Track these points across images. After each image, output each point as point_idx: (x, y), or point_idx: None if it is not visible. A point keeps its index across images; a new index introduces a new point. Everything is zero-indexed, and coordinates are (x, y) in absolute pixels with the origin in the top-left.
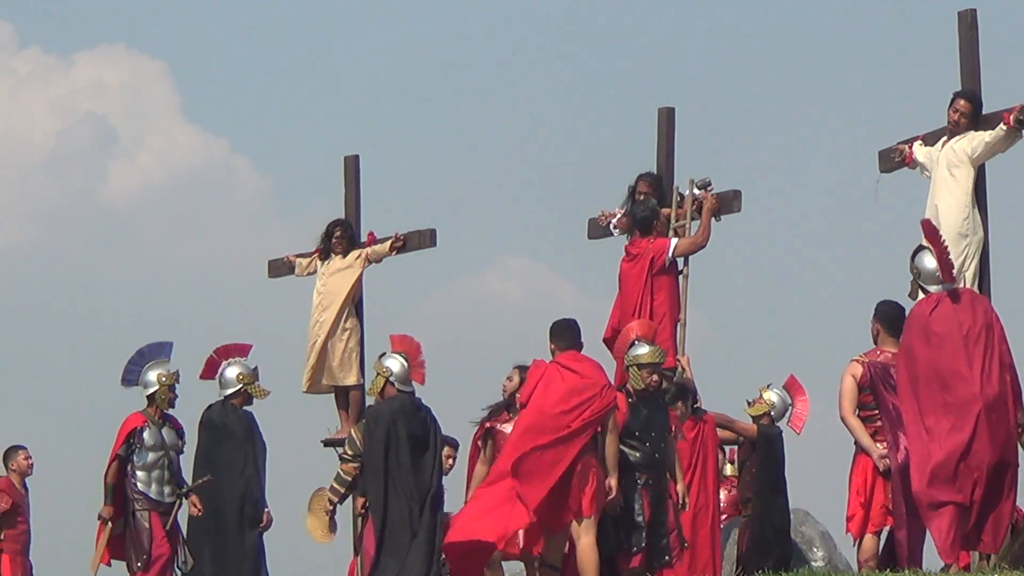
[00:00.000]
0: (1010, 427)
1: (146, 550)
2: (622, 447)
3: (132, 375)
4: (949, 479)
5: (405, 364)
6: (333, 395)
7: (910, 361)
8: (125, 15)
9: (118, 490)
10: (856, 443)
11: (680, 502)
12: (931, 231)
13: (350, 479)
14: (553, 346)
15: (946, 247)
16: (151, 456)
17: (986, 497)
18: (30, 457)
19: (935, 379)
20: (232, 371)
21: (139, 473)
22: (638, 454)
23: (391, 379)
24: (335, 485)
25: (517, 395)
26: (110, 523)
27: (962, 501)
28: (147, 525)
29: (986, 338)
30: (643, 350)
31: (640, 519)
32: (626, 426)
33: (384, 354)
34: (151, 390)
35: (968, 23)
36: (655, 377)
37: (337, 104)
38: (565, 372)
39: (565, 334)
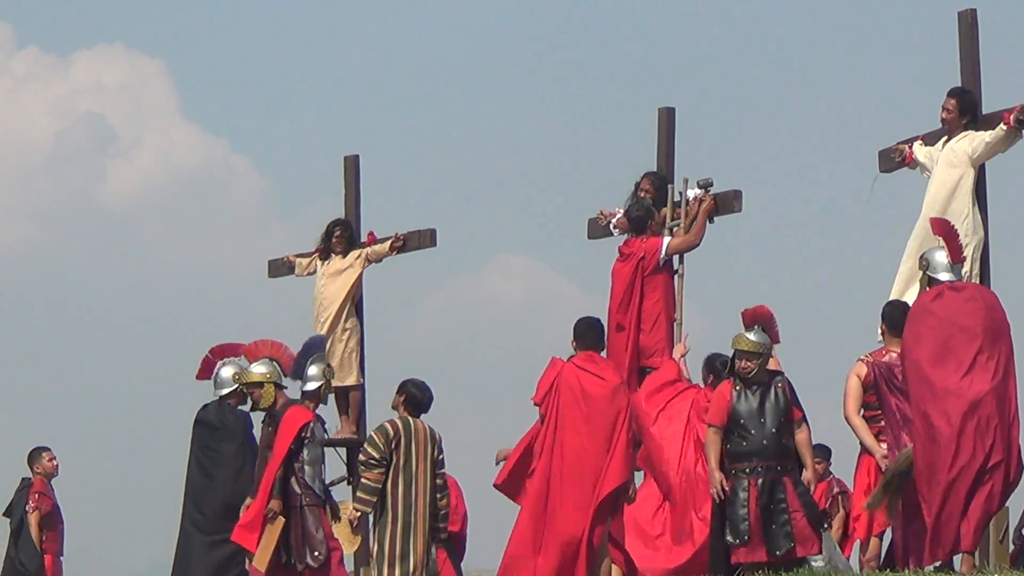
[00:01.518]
0: (1006, 421)
1: (318, 547)
2: (730, 436)
3: (300, 368)
4: (931, 481)
5: (278, 365)
6: (333, 395)
7: (909, 354)
8: (123, 14)
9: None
10: (860, 443)
11: (810, 488)
12: (939, 224)
13: (379, 486)
14: (575, 344)
15: (957, 233)
16: (318, 451)
17: (971, 495)
18: (54, 458)
19: (929, 371)
20: (227, 371)
21: (307, 468)
22: (744, 443)
23: (280, 383)
24: (363, 495)
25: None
26: (279, 518)
27: (939, 504)
28: (319, 520)
29: (985, 333)
30: (744, 335)
31: (744, 511)
32: (732, 414)
33: (247, 369)
34: (315, 385)
35: (968, 23)
36: (743, 363)
37: (337, 104)
38: (581, 373)
39: (586, 334)
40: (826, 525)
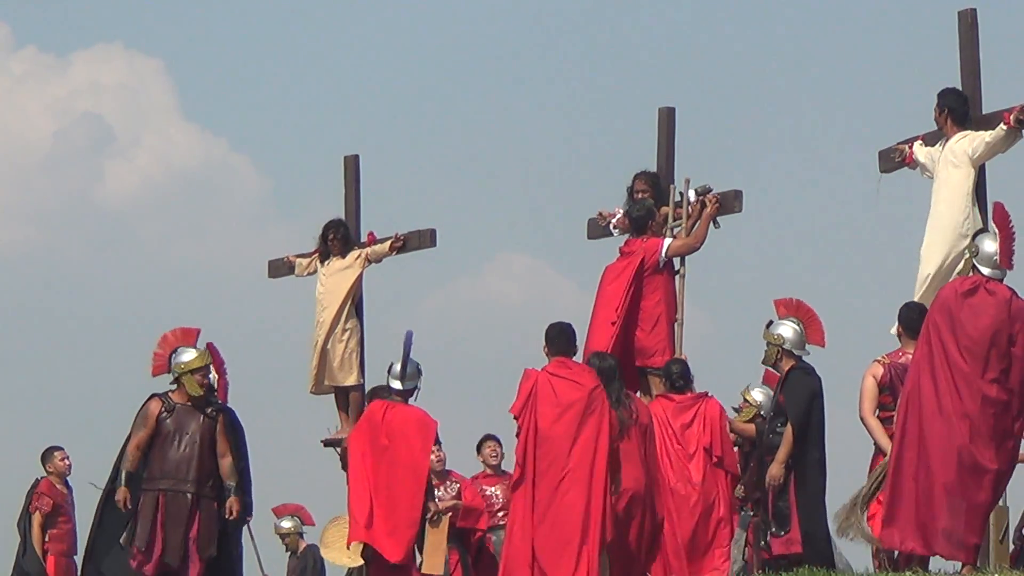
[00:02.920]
0: (1005, 433)
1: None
2: None
3: (407, 365)
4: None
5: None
6: (333, 395)
7: (923, 339)
8: (122, 14)
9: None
10: (875, 444)
11: (767, 485)
12: (1002, 214)
13: None
14: (547, 350)
15: (1014, 233)
16: None
17: (960, 499)
18: (67, 458)
19: (948, 362)
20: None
21: None
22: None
23: None
24: None
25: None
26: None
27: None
28: None
29: (994, 344)
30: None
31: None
32: None
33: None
34: (414, 384)
35: (968, 23)
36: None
37: (337, 104)
38: (555, 380)
39: (558, 339)
40: (786, 530)
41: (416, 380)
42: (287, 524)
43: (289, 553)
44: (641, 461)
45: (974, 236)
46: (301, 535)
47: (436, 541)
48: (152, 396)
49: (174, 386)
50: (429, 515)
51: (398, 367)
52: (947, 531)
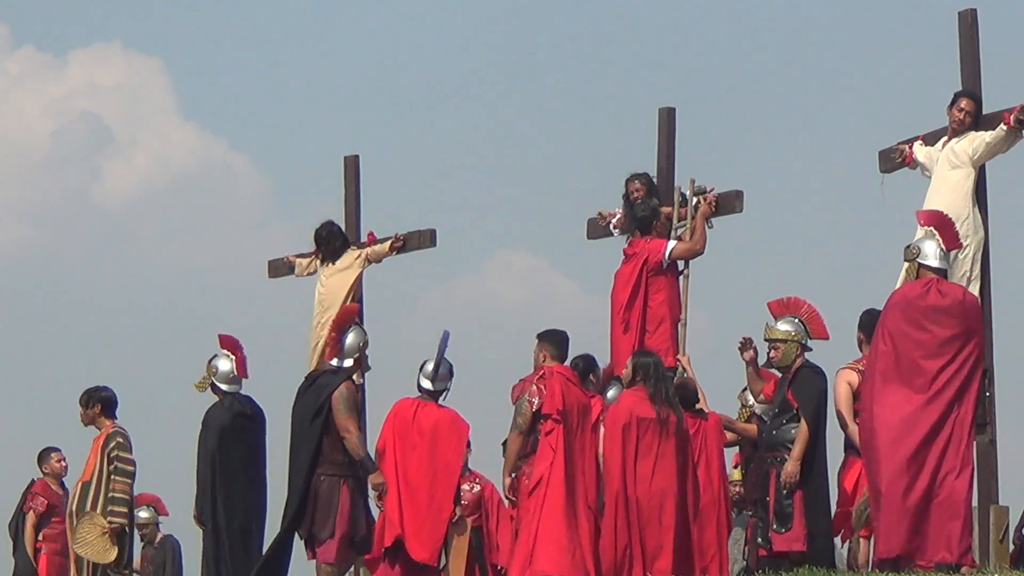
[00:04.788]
0: (958, 438)
1: None
2: None
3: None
4: (903, 480)
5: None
6: None
7: (891, 341)
8: (120, 13)
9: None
10: (849, 444)
11: (783, 482)
12: (929, 215)
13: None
14: (545, 354)
15: (949, 218)
16: None
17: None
18: (63, 459)
19: (909, 366)
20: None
21: None
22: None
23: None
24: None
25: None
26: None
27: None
28: None
29: (961, 339)
30: (769, 323)
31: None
32: None
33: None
34: (444, 385)
35: (968, 23)
36: (769, 353)
37: (337, 104)
38: (571, 386)
39: (563, 346)
40: (788, 527)
41: (447, 382)
42: (144, 514)
43: (145, 543)
44: (674, 462)
45: (910, 246)
46: (158, 525)
47: (459, 545)
48: (347, 378)
49: (348, 364)
50: (454, 519)
51: (430, 367)
52: (915, 535)
